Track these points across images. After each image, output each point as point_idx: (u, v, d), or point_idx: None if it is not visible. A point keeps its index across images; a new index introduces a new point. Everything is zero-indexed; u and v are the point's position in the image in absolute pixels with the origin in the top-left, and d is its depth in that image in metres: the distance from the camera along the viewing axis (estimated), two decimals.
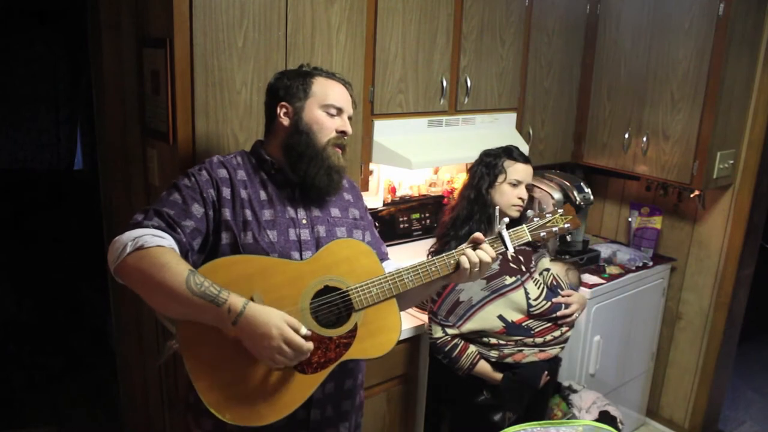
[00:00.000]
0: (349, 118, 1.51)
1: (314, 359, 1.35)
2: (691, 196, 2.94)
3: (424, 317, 2.23)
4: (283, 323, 1.23)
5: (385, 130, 2.21)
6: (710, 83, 2.53)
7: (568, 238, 1.71)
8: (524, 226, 1.61)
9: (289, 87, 1.46)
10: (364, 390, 1.68)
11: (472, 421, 2.01)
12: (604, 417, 2.14)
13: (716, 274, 2.92)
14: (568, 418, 2.15)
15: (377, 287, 1.41)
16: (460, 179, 2.73)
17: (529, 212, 1.68)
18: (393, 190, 2.62)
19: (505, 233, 1.55)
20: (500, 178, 1.99)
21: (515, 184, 1.99)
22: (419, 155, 2.22)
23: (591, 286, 2.61)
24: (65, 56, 5.54)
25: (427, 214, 2.69)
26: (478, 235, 1.50)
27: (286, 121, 1.46)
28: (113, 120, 2.01)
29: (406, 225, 2.62)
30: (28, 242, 5.10)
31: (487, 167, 2.02)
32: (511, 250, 1.55)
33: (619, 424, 2.12)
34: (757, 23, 2.60)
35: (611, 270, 2.81)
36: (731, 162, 2.73)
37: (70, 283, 4.45)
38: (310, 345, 1.26)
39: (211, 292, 1.22)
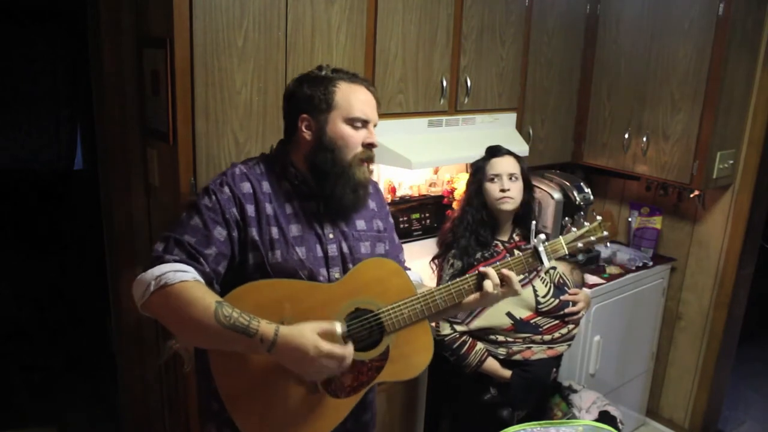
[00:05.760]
0: (375, 125, 1.43)
1: (347, 383, 1.35)
2: (691, 196, 2.94)
3: None
4: (317, 338, 1.20)
5: (385, 130, 2.21)
6: (710, 83, 2.53)
7: (606, 246, 1.66)
8: (560, 238, 1.58)
9: (311, 98, 1.36)
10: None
11: (479, 420, 2.02)
12: (604, 417, 2.14)
13: (716, 274, 2.91)
14: (568, 418, 2.15)
15: (409, 309, 1.39)
16: (461, 179, 2.73)
17: (566, 220, 1.65)
18: (393, 190, 2.62)
19: (540, 248, 1.52)
20: (485, 179, 2.05)
21: (493, 179, 2.03)
22: (419, 155, 2.22)
23: (591, 286, 2.61)
24: (65, 56, 5.54)
25: (427, 214, 2.69)
26: (484, 270, 1.46)
27: (308, 135, 1.38)
28: (113, 120, 2.01)
29: (406, 225, 2.61)
30: (28, 242, 5.10)
31: (474, 174, 2.09)
32: (547, 265, 1.53)
33: (619, 424, 2.11)
34: (757, 23, 2.59)
35: (611, 270, 2.81)
36: (731, 162, 2.73)
37: (70, 283, 4.45)
38: (350, 350, 1.24)
39: (241, 323, 1.19)
